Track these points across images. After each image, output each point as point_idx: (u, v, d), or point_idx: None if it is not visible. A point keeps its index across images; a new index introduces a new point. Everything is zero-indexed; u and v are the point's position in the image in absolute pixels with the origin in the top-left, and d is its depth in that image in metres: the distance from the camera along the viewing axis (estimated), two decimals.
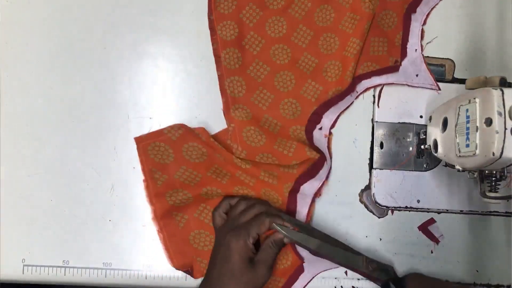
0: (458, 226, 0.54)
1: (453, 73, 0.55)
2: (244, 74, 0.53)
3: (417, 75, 0.53)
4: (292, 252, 0.51)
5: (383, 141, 0.54)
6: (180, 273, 0.53)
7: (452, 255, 0.54)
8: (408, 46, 0.54)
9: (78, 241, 0.52)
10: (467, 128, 0.42)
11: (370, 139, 0.54)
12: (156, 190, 0.51)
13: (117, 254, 0.53)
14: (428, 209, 0.53)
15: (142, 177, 0.52)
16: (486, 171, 0.44)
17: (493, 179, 0.44)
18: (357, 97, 0.54)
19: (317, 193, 0.53)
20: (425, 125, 0.53)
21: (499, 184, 0.44)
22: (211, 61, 0.53)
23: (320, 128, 0.53)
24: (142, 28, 0.54)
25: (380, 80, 0.53)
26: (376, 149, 0.54)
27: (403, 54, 0.54)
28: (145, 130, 0.53)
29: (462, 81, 0.54)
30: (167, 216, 0.51)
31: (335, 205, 0.53)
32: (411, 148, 0.54)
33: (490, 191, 0.44)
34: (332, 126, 0.54)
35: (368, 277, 0.50)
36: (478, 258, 0.54)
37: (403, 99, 0.54)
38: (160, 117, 0.53)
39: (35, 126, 0.53)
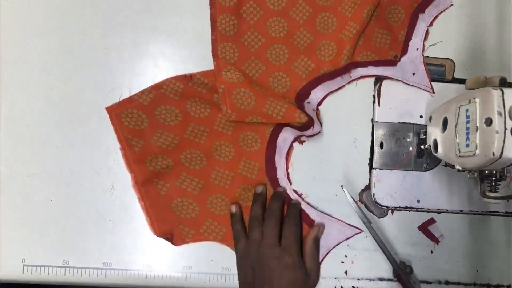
0: (458, 226, 0.54)
1: (453, 73, 0.55)
2: (238, 42, 0.53)
3: (413, 74, 0.53)
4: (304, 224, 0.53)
5: (383, 141, 0.54)
6: (180, 273, 0.53)
7: (452, 255, 0.54)
8: (410, 43, 0.54)
9: (78, 241, 0.52)
10: (467, 128, 0.42)
11: (370, 139, 0.54)
12: (135, 157, 0.52)
13: (117, 254, 0.53)
14: (428, 209, 0.53)
15: (118, 145, 0.52)
16: (486, 171, 0.44)
17: (493, 179, 0.44)
18: (349, 82, 0.54)
19: (298, 139, 0.53)
20: (425, 125, 0.53)
21: (499, 184, 0.44)
22: (211, 61, 0.53)
23: (308, 103, 0.53)
24: (142, 28, 0.54)
25: (376, 71, 0.54)
26: (376, 149, 0.54)
27: (404, 50, 0.54)
28: None
29: (462, 81, 0.54)
30: (148, 183, 0.52)
31: (335, 205, 0.53)
32: (411, 148, 0.54)
33: (490, 191, 0.44)
34: (320, 103, 0.54)
35: (399, 278, 0.52)
36: (478, 258, 0.54)
37: (403, 99, 0.54)
38: None
39: (35, 126, 0.53)
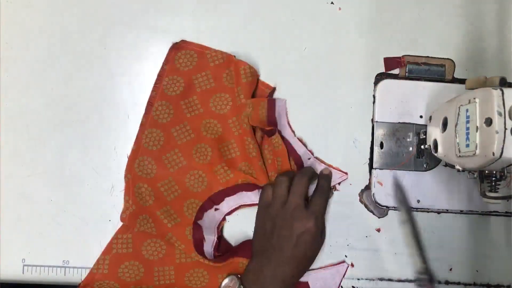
0: (458, 226, 0.54)
1: (453, 73, 0.55)
2: (167, 131, 0.52)
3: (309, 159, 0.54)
4: None
5: (383, 141, 0.54)
6: None
7: (452, 255, 0.54)
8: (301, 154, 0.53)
9: (78, 241, 0.52)
10: (467, 128, 0.42)
11: (370, 139, 0.54)
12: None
13: None
14: (428, 209, 0.53)
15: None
16: (486, 171, 0.44)
17: (493, 179, 0.44)
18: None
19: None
20: (425, 125, 0.53)
21: (499, 184, 0.44)
22: None
23: (216, 209, 0.53)
24: (142, 28, 0.54)
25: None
26: (376, 149, 0.54)
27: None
28: None
29: (462, 81, 0.54)
30: None
31: (335, 205, 0.53)
32: (411, 148, 0.54)
33: (490, 191, 0.44)
34: (229, 213, 0.53)
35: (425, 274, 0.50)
36: (478, 258, 0.54)
37: (403, 99, 0.54)
38: None
39: (35, 126, 0.53)
